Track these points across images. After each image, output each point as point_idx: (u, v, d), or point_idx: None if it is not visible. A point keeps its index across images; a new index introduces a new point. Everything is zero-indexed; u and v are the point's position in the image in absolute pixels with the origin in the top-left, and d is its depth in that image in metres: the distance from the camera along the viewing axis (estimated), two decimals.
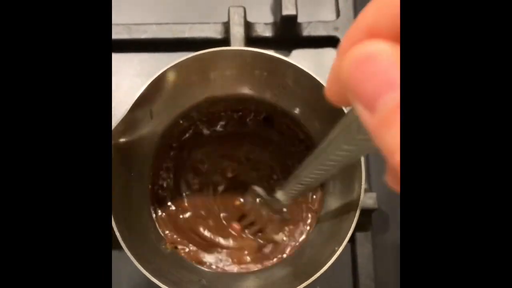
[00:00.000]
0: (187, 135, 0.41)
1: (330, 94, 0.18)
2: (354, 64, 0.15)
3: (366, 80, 0.14)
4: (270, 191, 0.35)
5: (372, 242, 0.46)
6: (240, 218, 0.41)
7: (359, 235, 0.46)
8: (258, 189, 0.37)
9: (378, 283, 0.45)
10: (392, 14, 0.15)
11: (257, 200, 0.37)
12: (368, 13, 0.15)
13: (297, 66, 0.32)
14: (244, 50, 0.33)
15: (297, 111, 0.37)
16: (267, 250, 0.39)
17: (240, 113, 0.41)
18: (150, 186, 0.38)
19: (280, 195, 0.33)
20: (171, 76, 0.33)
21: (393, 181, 0.18)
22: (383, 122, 0.14)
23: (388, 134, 0.14)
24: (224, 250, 0.39)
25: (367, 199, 0.45)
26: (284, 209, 0.37)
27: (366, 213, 0.46)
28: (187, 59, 0.32)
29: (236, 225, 0.41)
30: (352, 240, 0.46)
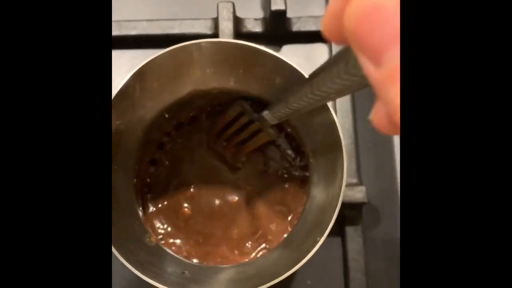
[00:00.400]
0: (171, 128, 0.41)
1: (327, 31, 0.17)
2: (360, 14, 0.13)
3: (373, 32, 0.13)
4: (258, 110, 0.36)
5: (363, 236, 0.45)
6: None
7: (349, 229, 0.45)
8: (246, 104, 0.38)
9: (369, 277, 0.45)
10: None
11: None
12: None
13: (278, 57, 0.32)
14: (226, 42, 0.33)
15: None
16: (252, 241, 0.40)
17: (226, 106, 0.41)
18: (134, 180, 0.38)
19: (266, 114, 0.34)
20: (153, 69, 0.33)
21: (383, 125, 0.18)
22: (389, 77, 0.14)
23: (392, 90, 0.14)
24: (210, 242, 0.39)
25: (357, 193, 0.45)
26: (270, 129, 0.37)
27: (356, 207, 0.46)
28: (169, 51, 0.32)
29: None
30: (342, 234, 0.46)
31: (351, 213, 0.46)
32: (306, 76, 0.33)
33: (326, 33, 0.17)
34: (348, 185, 0.46)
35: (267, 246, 0.39)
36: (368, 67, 0.14)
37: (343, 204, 0.45)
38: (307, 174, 0.39)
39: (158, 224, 0.39)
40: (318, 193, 0.35)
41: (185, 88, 0.36)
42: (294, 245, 0.34)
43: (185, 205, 0.41)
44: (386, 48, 0.13)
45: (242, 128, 0.39)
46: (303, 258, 0.29)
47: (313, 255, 0.46)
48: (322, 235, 0.29)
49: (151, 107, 0.36)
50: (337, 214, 0.30)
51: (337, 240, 0.47)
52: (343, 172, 0.31)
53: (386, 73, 0.14)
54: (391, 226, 0.47)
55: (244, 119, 0.38)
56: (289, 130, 0.40)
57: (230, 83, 0.36)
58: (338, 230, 0.47)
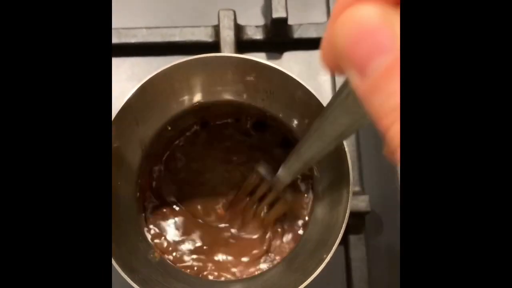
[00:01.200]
0: (175, 141, 0.41)
1: (325, 61, 0.18)
2: (344, 30, 0.15)
3: (357, 45, 0.14)
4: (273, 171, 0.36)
5: (366, 244, 0.45)
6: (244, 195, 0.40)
7: (352, 238, 0.45)
8: (261, 169, 0.37)
9: (372, 286, 0.45)
10: None
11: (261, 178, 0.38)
12: None
13: (282, 71, 0.32)
14: (230, 57, 0.32)
15: (285, 116, 0.36)
16: (257, 257, 0.39)
17: (230, 119, 0.41)
18: (138, 194, 0.37)
19: (281, 172, 0.34)
20: (157, 84, 0.33)
21: (389, 152, 0.19)
22: (373, 87, 0.14)
23: (376, 99, 0.14)
24: (215, 258, 0.39)
25: (360, 202, 0.44)
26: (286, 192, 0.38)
27: (359, 216, 0.45)
28: (173, 66, 0.32)
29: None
30: (345, 243, 0.46)
31: (354, 221, 0.46)
32: (309, 87, 0.32)
33: (325, 63, 0.18)
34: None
35: (272, 262, 0.39)
36: (356, 80, 0.15)
37: None
38: (312, 188, 0.39)
39: (162, 239, 0.39)
40: (323, 207, 0.35)
41: (189, 101, 0.36)
42: (299, 261, 0.34)
43: (189, 219, 0.40)
44: (370, 59, 0.14)
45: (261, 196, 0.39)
46: (309, 276, 0.29)
47: None
48: (328, 252, 0.29)
49: (154, 121, 0.35)
50: (343, 231, 0.29)
51: (340, 248, 0.47)
52: (349, 186, 0.31)
53: (370, 82, 0.14)
54: (394, 234, 0.47)
55: (262, 188, 0.38)
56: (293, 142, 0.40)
57: (235, 96, 0.36)
58: (341, 239, 0.46)
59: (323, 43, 0.18)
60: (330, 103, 0.23)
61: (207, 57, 0.32)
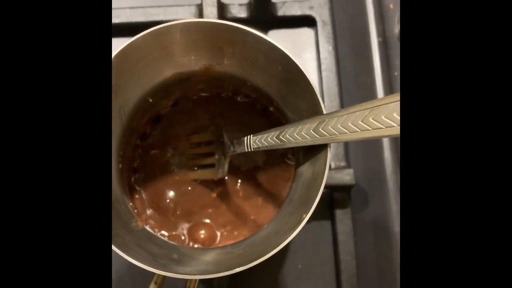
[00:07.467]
0: (155, 112, 0.41)
1: None
2: None
3: None
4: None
5: (352, 218, 0.46)
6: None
7: (338, 212, 0.46)
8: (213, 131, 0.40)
9: (359, 259, 0.45)
10: None
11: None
12: None
13: (259, 36, 0.32)
14: (207, 22, 0.32)
15: (265, 84, 0.36)
16: (240, 223, 0.40)
17: (210, 89, 0.41)
18: (120, 165, 0.37)
19: (247, 139, 0.35)
20: (133, 51, 0.33)
21: None
22: None
23: None
24: (196, 226, 0.39)
25: (345, 176, 0.45)
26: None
27: (345, 190, 0.46)
28: (146, 34, 0.32)
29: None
30: (332, 217, 0.46)
31: (340, 196, 0.46)
32: (286, 51, 0.32)
33: None
34: (337, 168, 0.46)
35: (254, 228, 0.39)
36: None
37: (332, 187, 0.45)
38: (294, 153, 0.39)
39: (144, 208, 0.39)
40: (304, 171, 0.35)
41: (168, 71, 0.36)
42: (280, 225, 0.34)
43: (172, 189, 0.40)
44: None
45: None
46: (289, 236, 0.29)
47: (303, 239, 0.46)
48: (308, 212, 0.29)
49: (133, 91, 0.35)
50: (322, 190, 0.29)
51: (327, 223, 0.47)
52: (327, 148, 0.31)
53: None
54: (379, 208, 0.47)
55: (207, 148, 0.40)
56: (272, 110, 0.40)
57: (214, 65, 0.36)
58: (328, 214, 0.47)
59: None
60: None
61: (181, 23, 0.32)
